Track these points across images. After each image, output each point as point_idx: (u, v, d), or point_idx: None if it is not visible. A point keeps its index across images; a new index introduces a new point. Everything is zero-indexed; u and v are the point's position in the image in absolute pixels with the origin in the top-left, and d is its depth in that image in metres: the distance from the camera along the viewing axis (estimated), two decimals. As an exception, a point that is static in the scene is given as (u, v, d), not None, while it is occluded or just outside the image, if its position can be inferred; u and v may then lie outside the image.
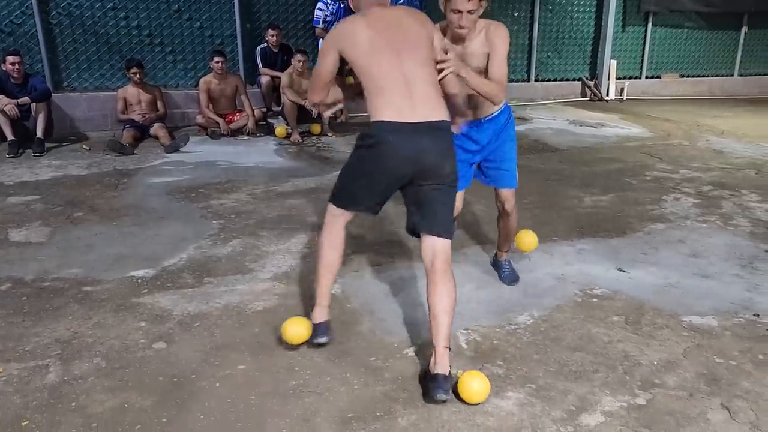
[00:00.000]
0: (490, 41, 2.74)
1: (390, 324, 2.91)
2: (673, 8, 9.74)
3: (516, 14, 9.06)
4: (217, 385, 2.43)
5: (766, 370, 2.55)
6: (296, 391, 2.39)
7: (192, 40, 7.47)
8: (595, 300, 3.16)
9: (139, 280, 3.33)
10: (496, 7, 8.86)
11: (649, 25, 9.81)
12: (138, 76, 6.57)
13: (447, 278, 2.44)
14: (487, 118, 3.00)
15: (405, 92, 2.37)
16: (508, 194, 3.17)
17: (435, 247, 2.46)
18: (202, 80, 6.82)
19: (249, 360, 2.61)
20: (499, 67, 2.73)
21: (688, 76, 10.41)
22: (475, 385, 2.30)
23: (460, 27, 2.69)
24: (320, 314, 2.71)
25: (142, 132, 6.54)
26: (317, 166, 5.73)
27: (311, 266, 3.53)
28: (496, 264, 3.50)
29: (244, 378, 2.48)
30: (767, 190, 5.05)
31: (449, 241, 2.49)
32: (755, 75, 10.75)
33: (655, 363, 2.60)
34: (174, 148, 6.14)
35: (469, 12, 2.64)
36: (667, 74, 10.32)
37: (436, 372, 2.33)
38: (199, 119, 6.92)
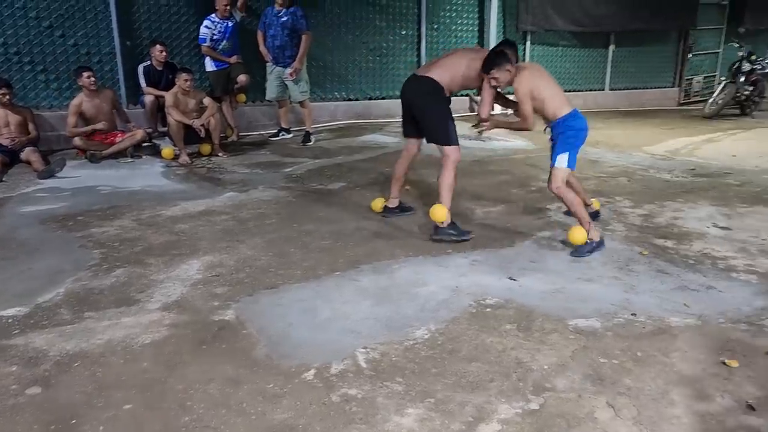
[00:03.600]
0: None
1: (287, 348, 2.84)
2: (547, 28, 10.36)
3: (404, 32, 9.28)
4: (101, 428, 2.26)
5: (645, 366, 2.72)
6: (189, 428, 2.27)
7: (66, 58, 7.04)
8: (488, 310, 3.25)
9: (10, 320, 3.05)
10: (384, 26, 9.04)
11: (528, 43, 10.36)
12: (7, 97, 6.08)
13: (443, 169, 4.28)
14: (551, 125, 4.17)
15: (435, 63, 4.39)
16: (551, 173, 4.12)
17: (440, 150, 4.29)
18: (72, 104, 6.37)
19: (137, 398, 2.45)
20: (521, 111, 4.16)
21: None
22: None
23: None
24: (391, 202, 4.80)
25: (11, 157, 6.05)
26: (208, 187, 5.55)
27: (203, 293, 3.40)
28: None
29: (132, 418, 2.32)
30: (638, 196, 5.45)
31: (442, 146, 4.27)
32: (623, 89, 11.63)
33: (546, 367, 2.70)
34: (49, 174, 5.73)
35: (495, 79, 4.09)
36: (546, 89, 10.93)
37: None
38: (77, 141, 6.49)
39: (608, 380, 2.60)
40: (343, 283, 3.56)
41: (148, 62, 7.04)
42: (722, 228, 4.59)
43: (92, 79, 6.31)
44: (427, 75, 4.23)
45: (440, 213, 4.18)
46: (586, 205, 4.45)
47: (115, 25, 7.14)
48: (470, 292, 3.45)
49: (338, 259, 3.90)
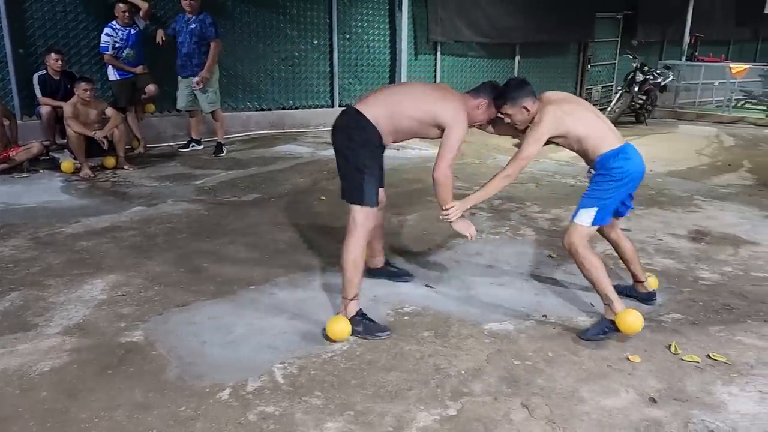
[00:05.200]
0: None
1: (200, 368, 2.74)
2: (456, 39, 10.63)
3: (316, 42, 9.24)
4: (-6, 467, 2.08)
5: (556, 366, 2.82)
6: (94, 459, 2.13)
7: (-49, 67, 6.53)
8: (406, 318, 3.27)
9: None
10: (296, 35, 8.97)
11: (438, 53, 10.58)
12: None
13: (347, 236, 3.06)
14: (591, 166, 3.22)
15: (377, 93, 3.27)
16: (568, 227, 3.16)
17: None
18: None
19: (35, 430, 2.28)
20: (520, 149, 3.13)
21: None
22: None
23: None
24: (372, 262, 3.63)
25: None
26: (113, 202, 5.28)
27: (108, 314, 3.22)
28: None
29: (29, 453, 2.16)
30: (546, 200, 5.67)
31: (352, 205, 3.09)
32: (529, 98, 12.11)
33: (463, 372, 2.74)
34: (-68, 191, 5.28)
35: (507, 116, 3.20)
36: (457, 99, 11.20)
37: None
38: (-35, 157, 6.02)
39: (522, 381, 2.68)
40: (258, 297, 3.48)
41: (44, 71, 6.63)
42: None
43: None
44: (361, 110, 3.12)
45: (339, 328, 2.98)
46: (638, 282, 3.48)
47: (6, 31, 6.67)
48: (388, 301, 3.47)
49: (253, 273, 3.81)
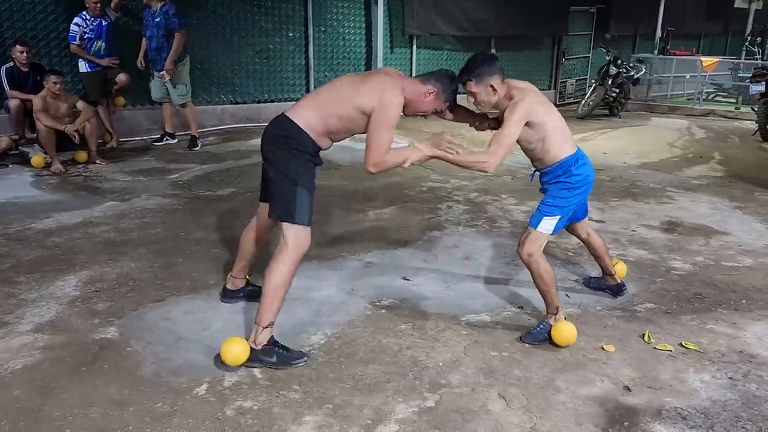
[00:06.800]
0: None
1: (177, 363, 2.71)
2: (432, 32, 10.63)
3: (291, 35, 9.17)
4: (-36, 468, 2.04)
5: (532, 356, 2.85)
6: (68, 458, 2.10)
7: None
8: (384, 311, 3.28)
9: None
10: (270, 28, 8.89)
11: (414, 47, 10.58)
12: None
13: (274, 257, 2.71)
14: (543, 170, 3.11)
15: (310, 95, 2.96)
16: (528, 235, 3.02)
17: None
18: None
19: (7, 429, 2.24)
20: (499, 132, 2.90)
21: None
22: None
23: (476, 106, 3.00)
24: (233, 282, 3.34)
25: None
26: (85, 197, 5.19)
27: (82, 310, 3.18)
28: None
29: (1, 453, 2.12)
30: (521, 193, 5.71)
31: (282, 223, 2.73)
32: (505, 91, 12.17)
33: (441, 364, 2.76)
34: None
35: (471, 94, 2.89)
36: (433, 92, 11.20)
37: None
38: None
39: (499, 372, 2.70)
40: (235, 291, 3.45)
41: (11, 63, 6.47)
42: (597, 221, 4.90)
43: None
44: (288, 115, 2.78)
45: (237, 351, 2.65)
46: (608, 275, 3.49)
47: (-29, 23, 6.52)
48: (365, 294, 3.47)
49: (229, 267, 3.77)
